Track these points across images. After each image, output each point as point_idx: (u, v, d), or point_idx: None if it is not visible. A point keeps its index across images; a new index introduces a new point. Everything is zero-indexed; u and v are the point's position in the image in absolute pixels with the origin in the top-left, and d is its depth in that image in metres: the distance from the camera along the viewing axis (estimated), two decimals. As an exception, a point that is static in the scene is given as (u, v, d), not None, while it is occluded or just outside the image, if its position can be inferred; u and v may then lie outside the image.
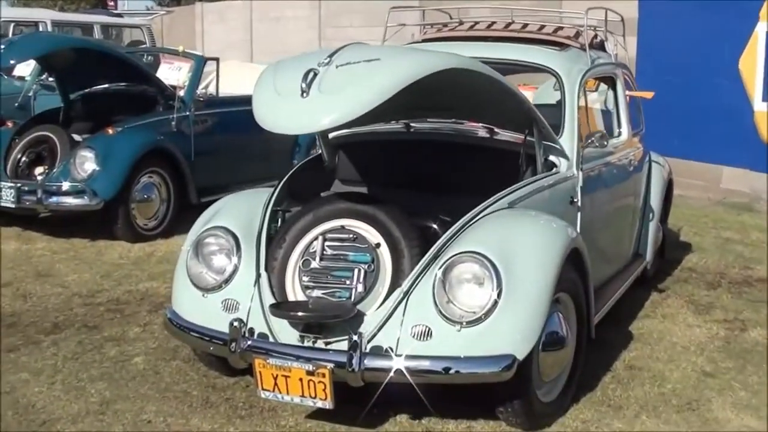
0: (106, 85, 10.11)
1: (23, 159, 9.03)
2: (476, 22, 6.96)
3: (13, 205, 8.58)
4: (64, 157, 8.72)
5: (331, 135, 5.71)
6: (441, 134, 5.76)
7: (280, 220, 5.13)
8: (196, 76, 9.73)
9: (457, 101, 5.34)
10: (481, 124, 5.69)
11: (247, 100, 10.16)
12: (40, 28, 17.24)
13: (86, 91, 10.11)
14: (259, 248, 4.82)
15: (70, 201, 8.48)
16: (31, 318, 6.50)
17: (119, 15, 20.94)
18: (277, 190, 5.25)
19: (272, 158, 10.57)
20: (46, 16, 18.09)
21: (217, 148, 9.91)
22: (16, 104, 12.25)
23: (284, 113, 4.17)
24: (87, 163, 8.49)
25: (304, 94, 4.00)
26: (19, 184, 8.60)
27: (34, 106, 12.41)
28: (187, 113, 9.51)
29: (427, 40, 6.90)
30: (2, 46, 8.27)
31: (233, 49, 22.35)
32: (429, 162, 5.63)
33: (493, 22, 6.93)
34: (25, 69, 12.76)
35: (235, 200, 5.45)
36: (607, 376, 5.46)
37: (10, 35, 16.90)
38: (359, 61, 4.19)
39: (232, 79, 10.40)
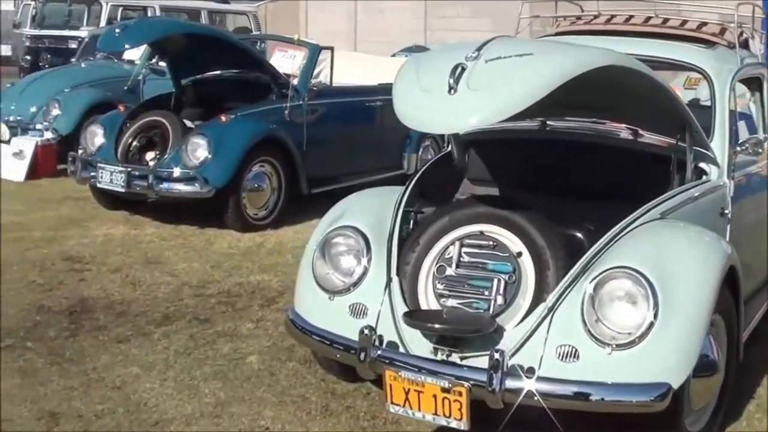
0: (218, 72, 9.96)
1: (134, 143, 8.92)
2: (613, 16, 6.52)
3: (122, 190, 8.49)
4: (176, 143, 8.58)
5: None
6: (581, 134, 5.28)
7: (412, 221, 4.82)
8: (311, 66, 9.51)
9: (599, 99, 4.90)
10: (624, 125, 5.23)
11: (359, 91, 10.15)
12: (149, 13, 17.31)
13: (198, 77, 9.97)
14: (391, 251, 4.52)
15: (181, 188, 8.34)
16: (141, 307, 6.36)
17: (226, 1, 20.83)
18: (409, 189, 4.94)
19: (383, 149, 10.38)
20: (154, 1, 18.12)
21: (329, 139, 9.68)
22: (126, 88, 12.25)
23: (430, 111, 3.81)
24: (199, 150, 8.33)
25: (452, 91, 3.65)
26: (129, 169, 8.49)
27: (143, 90, 12.36)
28: (300, 102, 9.29)
29: (561, 33, 6.47)
30: (117, 30, 8.14)
31: (336, 38, 22.03)
32: (568, 164, 5.21)
33: (631, 16, 6.48)
34: (135, 53, 12.75)
35: (364, 198, 5.16)
36: (751, 404, 5.01)
37: (118, 19, 17.01)
38: (510, 55, 3.83)
39: (339, 69, 10.18)
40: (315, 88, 9.45)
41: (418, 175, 5.13)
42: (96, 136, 9.05)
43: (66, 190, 10.50)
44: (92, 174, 8.78)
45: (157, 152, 8.74)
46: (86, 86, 12.23)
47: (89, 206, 9.56)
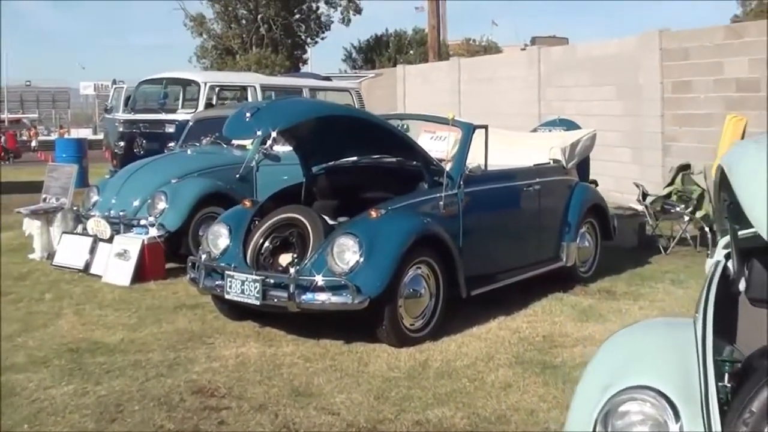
0: (355, 158, 8.68)
1: (266, 245, 7.62)
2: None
3: (257, 302, 7.14)
4: (318, 245, 7.25)
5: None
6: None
7: (726, 375, 3.34)
8: (465, 148, 8.15)
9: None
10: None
11: (515, 174, 8.73)
12: (249, 93, 16.29)
13: (331, 164, 8.69)
14: (710, 421, 3.06)
15: (329, 299, 6.97)
16: (306, 466, 4.95)
17: (327, 78, 19.81)
18: (708, 323, 3.46)
19: (541, 239, 9.06)
20: (254, 80, 17.15)
21: (486, 232, 8.34)
22: (237, 176, 11.08)
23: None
24: (348, 253, 7.00)
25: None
26: (264, 277, 7.15)
27: (256, 178, 11.22)
28: (456, 191, 7.92)
29: None
30: (246, 114, 6.85)
31: (438, 111, 20.97)
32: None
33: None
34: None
35: (646, 338, 3.70)
36: None
37: (215, 101, 15.96)
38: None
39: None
40: (471, 173, 8.05)
41: (711, 303, 3.65)
42: (220, 237, 7.78)
43: (179, 295, 9.27)
44: (218, 283, 7.48)
45: (295, 255, 7.42)
46: (194, 175, 11.06)
47: (210, 316, 8.29)
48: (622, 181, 15.48)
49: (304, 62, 42.79)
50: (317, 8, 42.11)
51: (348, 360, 6.92)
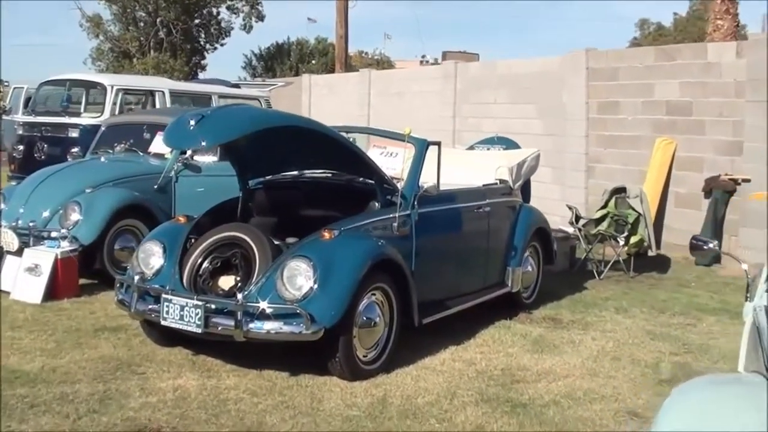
0: (297, 172, 8.08)
1: (204, 266, 6.95)
2: None
3: (199, 330, 6.45)
4: (265, 268, 6.61)
5: None
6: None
7: None
8: (419, 165, 7.60)
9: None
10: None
11: (468, 194, 8.23)
12: (156, 98, 15.51)
13: (269, 178, 8.07)
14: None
15: (280, 328, 6.32)
16: None
17: (236, 86, 19.07)
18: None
19: (488, 264, 8.57)
20: (163, 85, 16.34)
21: (438, 255, 7.82)
22: (156, 186, 10.34)
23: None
24: (300, 277, 6.39)
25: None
26: (206, 302, 6.47)
27: (175, 189, 10.49)
28: (409, 212, 7.38)
29: None
30: (190, 122, 6.15)
31: (349, 124, 20.43)
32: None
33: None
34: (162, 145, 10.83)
35: (720, 402, 3.20)
36: None
37: (119, 105, 15.10)
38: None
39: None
40: (426, 193, 7.52)
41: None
42: (153, 256, 7.08)
43: (97, 316, 8.54)
44: (152, 307, 6.78)
45: (238, 279, 6.76)
46: (109, 185, 10.26)
47: (136, 341, 7.59)
48: (543, 201, 15.14)
49: (203, 68, 41.77)
50: (218, 13, 41.11)
51: (299, 395, 6.30)
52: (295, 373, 6.72)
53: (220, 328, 6.39)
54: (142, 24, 39.20)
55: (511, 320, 8.79)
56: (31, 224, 9.74)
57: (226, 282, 6.83)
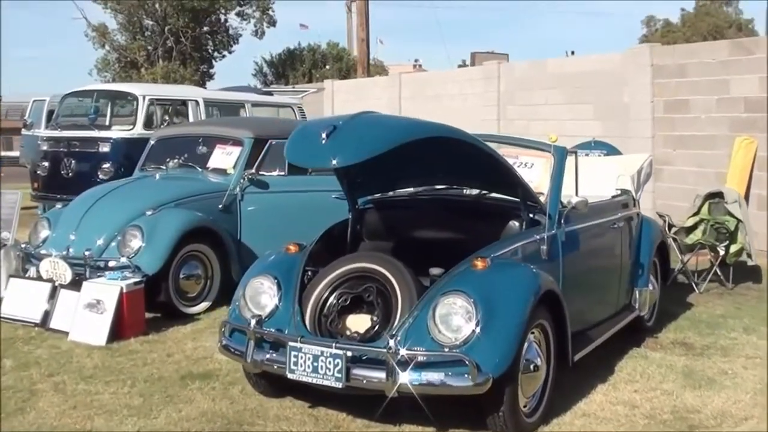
0: (410, 189, 7.03)
1: (330, 301, 5.87)
2: None
3: (339, 384, 5.33)
4: (409, 306, 5.54)
5: None
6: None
7: None
8: (560, 177, 6.55)
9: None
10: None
11: (604, 209, 7.19)
12: (189, 108, 14.44)
13: (379, 197, 7.02)
14: None
15: (442, 380, 5.22)
16: None
17: (269, 93, 18.02)
18: None
19: (621, 286, 7.57)
20: (196, 93, 15.30)
21: (582, 280, 6.77)
22: (220, 206, 9.26)
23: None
24: (457, 317, 5.31)
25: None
26: (347, 350, 5.37)
27: (241, 208, 9.43)
28: (555, 232, 6.33)
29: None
30: (322, 135, 5.10)
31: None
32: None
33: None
34: (226, 159, 9.80)
35: None
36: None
37: (158, 115, 14.07)
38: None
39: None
40: (575, 209, 6.47)
41: None
42: (263, 294, 5.99)
43: (177, 359, 7.50)
44: (272, 357, 5.68)
45: (375, 318, 5.68)
46: (170, 206, 9.17)
47: (234, 391, 6.55)
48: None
49: (211, 77, 40.53)
50: (226, 20, 39.94)
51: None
52: (444, 428, 5.66)
53: (365, 381, 5.30)
54: (149, 33, 37.98)
55: (642, 347, 7.79)
56: (87, 253, 8.64)
57: (357, 323, 5.75)
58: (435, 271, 5.86)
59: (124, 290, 8.04)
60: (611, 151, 9.61)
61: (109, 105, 14.80)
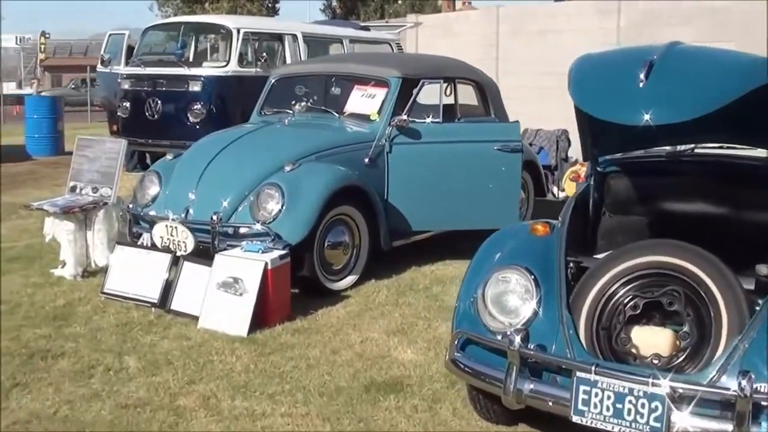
0: (668, 148, 5.34)
1: (609, 308, 4.22)
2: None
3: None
4: (739, 322, 3.88)
5: None
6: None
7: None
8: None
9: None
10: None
11: None
12: (285, 42, 12.77)
13: (625, 157, 5.35)
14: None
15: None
16: None
17: (366, 28, 16.36)
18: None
19: None
20: (293, 27, 13.61)
21: None
22: (366, 160, 7.63)
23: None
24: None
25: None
26: (673, 389, 3.70)
27: (388, 163, 7.77)
28: None
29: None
30: (640, 77, 3.46)
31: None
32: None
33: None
34: (368, 103, 8.17)
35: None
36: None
37: (245, 48, 12.45)
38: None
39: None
40: None
41: None
42: (511, 294, 4.33)
43: (347, 359, 5.95)
44: (546, 389, 4.02)
45: (686, 337, 4.04)
46: (311, 160, 7.54)
47: (443, 411, 5.01)
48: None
49: (276, 12, 38.56)
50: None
51: None
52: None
53: (696, 435, 3.66)
54: (213, -36, 36.17)
55: None
56: (214, 216, 7.05)
57: (650, 341, 4.10)
58: (764, 269, 4.18)
59: (269, 266, 6.44)
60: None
61: (200, 39, 13.17)
